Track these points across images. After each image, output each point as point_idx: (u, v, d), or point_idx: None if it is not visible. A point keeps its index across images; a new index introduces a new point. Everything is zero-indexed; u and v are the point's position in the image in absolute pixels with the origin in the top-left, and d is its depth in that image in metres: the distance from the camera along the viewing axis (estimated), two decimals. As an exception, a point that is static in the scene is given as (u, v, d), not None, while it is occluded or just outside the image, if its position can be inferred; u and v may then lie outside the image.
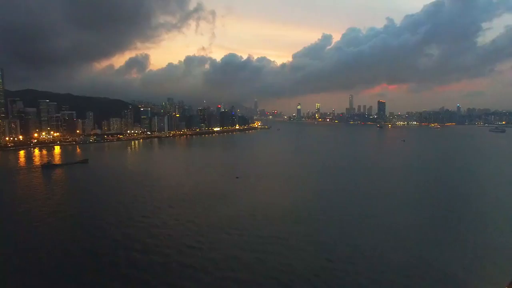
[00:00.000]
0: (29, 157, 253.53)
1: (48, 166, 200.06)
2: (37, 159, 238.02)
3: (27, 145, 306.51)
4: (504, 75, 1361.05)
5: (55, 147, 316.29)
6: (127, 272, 68.31)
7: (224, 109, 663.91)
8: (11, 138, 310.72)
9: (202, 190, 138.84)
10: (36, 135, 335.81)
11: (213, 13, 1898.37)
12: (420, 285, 63.93)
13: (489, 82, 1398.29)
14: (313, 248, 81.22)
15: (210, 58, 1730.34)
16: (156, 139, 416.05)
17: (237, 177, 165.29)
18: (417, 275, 67.96)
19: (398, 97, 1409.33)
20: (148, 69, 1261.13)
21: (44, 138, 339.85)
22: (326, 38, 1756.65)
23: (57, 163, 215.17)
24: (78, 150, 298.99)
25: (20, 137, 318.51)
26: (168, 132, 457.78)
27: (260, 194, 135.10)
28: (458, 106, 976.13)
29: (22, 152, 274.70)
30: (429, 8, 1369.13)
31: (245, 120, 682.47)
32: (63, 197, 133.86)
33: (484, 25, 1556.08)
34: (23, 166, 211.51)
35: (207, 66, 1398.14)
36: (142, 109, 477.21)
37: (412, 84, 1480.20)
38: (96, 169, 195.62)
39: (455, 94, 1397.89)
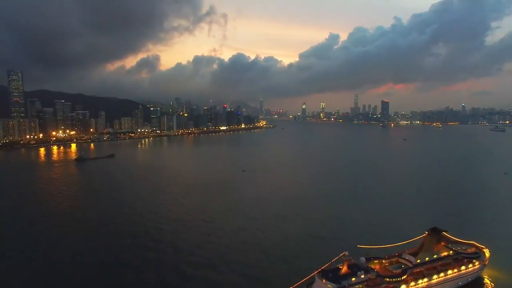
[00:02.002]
0: (55, 153, 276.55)
1: (81, 159, 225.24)
2: (64, 155, 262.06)
3: (47, 143, 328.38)
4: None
5: (72, 144, 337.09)
6: (157, 237, 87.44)
7: (230, 109, 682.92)
8: (31, 136, 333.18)
9: (212, 181, 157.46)
10: (54, 133, 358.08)
11: (224, 16, 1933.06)
12: (381, 235, 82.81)
13: (496, 82, 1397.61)
14: (304, 223, 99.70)
15: (218, 58, 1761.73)
16: (165, 137, 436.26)
17: (243, 170, 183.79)
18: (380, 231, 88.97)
19: (404, 96, 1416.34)
20: (158, 69, 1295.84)
21: (61, 136, 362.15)
22: (333, 38, 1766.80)
23: (89, 157, 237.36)
24: (92, 146, 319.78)
25: (40, 135, 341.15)
26: (177, 131, 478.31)
27: (263, 184, 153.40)
28: (463, 105, 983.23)
29: (42, 149, 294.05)
30: (437, 7, 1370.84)
31: (250, 119, 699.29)
32: (99, 185, 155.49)
33: (494, 24, 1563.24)
34: (58, 160, 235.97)
35: (215, 66, 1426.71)
36: (151, 108, 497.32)
37: (419, 83, 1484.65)
38: (122, 162, 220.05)
39: (462, 93, 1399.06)
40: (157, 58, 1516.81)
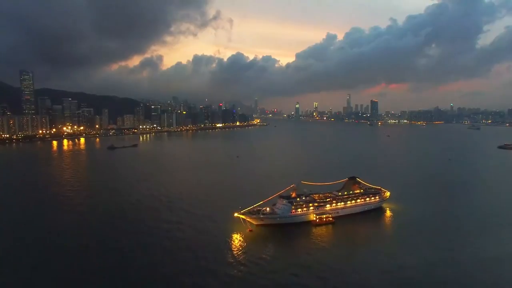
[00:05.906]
0: (77, 144, 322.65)
1: (111, 148, 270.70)
2: (88, 145, 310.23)
3: (59, 137, 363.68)
4: (500, 76, 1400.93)
5: (81, 138, 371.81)
6: (166, 200, 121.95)
7: (226, 107, 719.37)
8: (45, 131, 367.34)
9: (210, 163, 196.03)
10: (65, 128, 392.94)
11: (230, 21, 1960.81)
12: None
13: (486, 83, 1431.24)
14: (276, 181, 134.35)
15: (217, 58, 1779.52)
16: (165, 133, 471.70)
17: (237, 156, 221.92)
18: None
19: (397, 96, 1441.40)
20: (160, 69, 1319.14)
21: (71, 131, 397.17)
22: (331, 38, 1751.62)
23: (117, 146, 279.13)
24: (98, 141, 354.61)
25: (53, 130, 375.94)
26: (177, 127, 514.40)
27: (254, 165, 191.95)
28: (451, 105, 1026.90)
29: (55, 142, 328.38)
30: (432, 10, 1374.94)
31: (245, 118, 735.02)
32: (134, 164, 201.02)
33: (486, 27, 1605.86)
34: (92, 148, 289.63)
35: (214, 65, 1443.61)
36: (152, 107, 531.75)
37: (412, 84, 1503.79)
38: (144, 150, 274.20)
39: (454, 94, 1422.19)
40: (160, 59, 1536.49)
